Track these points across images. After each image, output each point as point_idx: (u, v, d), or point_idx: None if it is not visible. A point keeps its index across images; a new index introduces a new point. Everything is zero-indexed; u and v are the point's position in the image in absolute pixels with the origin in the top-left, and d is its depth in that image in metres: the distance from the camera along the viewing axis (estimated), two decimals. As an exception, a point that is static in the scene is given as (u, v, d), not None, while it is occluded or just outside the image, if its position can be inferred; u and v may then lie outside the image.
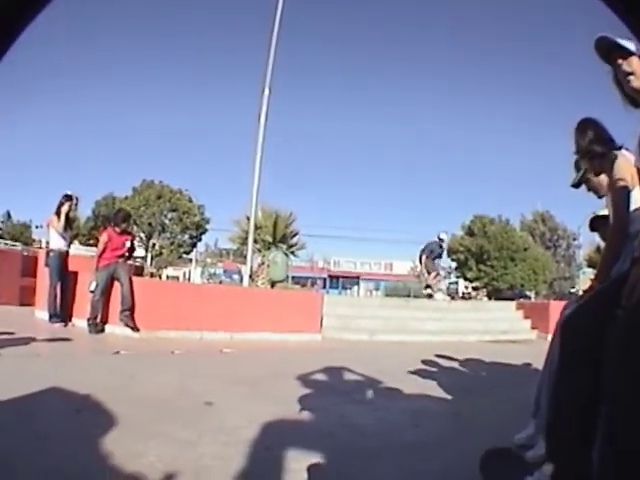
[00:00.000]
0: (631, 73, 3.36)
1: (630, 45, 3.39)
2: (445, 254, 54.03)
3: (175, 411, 5.90)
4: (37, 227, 75.44)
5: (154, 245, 64.19)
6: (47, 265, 13.89)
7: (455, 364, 10.05)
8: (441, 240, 24.38)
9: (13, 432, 4.60)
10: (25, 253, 19.88)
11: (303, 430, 5.30)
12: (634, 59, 3.38)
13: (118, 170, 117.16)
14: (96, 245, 21.16)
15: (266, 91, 21.51)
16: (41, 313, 14.22)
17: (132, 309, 12.82)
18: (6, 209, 79.35)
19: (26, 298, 16.59)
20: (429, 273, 23.82)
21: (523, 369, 9.62)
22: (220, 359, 10.60)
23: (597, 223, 5.30)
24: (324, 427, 5.36)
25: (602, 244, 5.37)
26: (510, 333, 16.11)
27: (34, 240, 61.83)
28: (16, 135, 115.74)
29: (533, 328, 16.88)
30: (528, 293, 56.60)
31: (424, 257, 23.79)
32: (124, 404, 5.75)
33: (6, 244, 21.33)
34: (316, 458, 4.33)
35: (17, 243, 24.73)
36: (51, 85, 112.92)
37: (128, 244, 13.68)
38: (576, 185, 4.78)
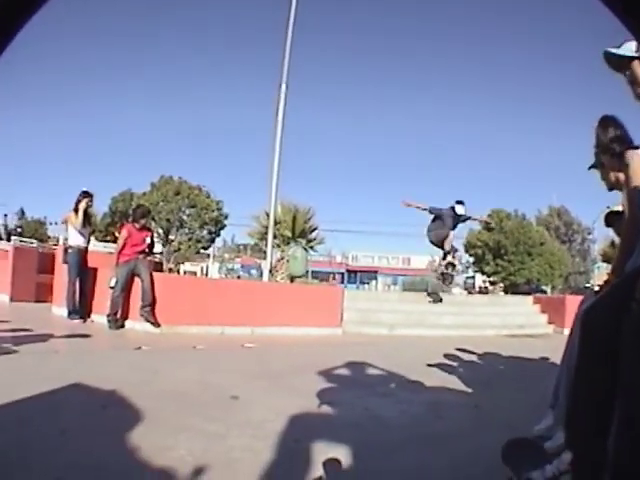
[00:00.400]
0: (635, 81, 3.47)
1: (630, 47, 3.50)
2: (463, 249, 53.43)
3: (201, 405, 5.93)
4: (51, 224, 75.75)
5: (172, 241, 64.25)
6: (65, 262, 13.99)
7: (474, 358, 10.15)
8: (457, 214, 17.56)
9: (36, 428, 4.63)
10: (41, 250, 19.98)
11: (329, 422, 5.38)
12: (636, 66, 3.49)
13: (134, 166, 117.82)
14: (113, 241, 21.19)
15: (283, 87, 21.57)
16: (59, 309, 14.32)
17: (153, 305, 12.84)
18: (20, 206, 79.65)
19: (42, 295, 16.85)
20: (450, 252, 18.02)
21: (540, 363, 9.68)
22: (242, 353, 10.64)
23: (612, 218, 5.39)
24: (350, 419, 5.48)
25: (617, 239, 5.47)
26: (527, 327, 16.17)
27: (49, 237, 61.82)
28: (30, 132, 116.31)
29: (550, 322, 16.91)
30: (544, 287, 56.39)
31: (449, 232, 17.67)
32: (149, 399, 5.79)
33: (22, 241, 21.34)
34: (343, 450, 4.38)
35: (32, 240, 24.78)
36: (66, 81, 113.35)
37: (148, 240, 13.71)
38: (593, 167, 4.88)
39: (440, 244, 18.16)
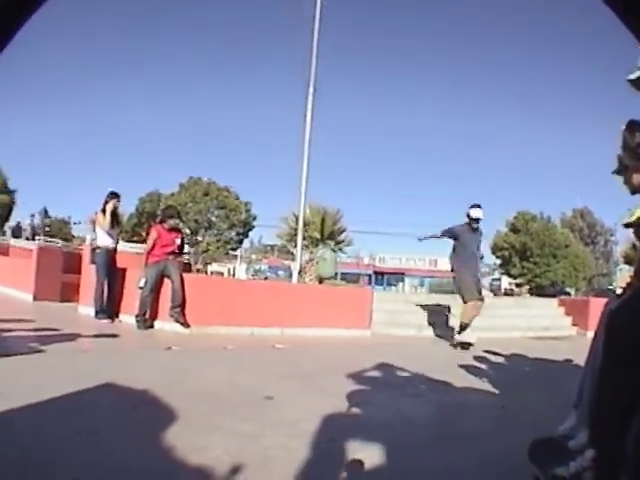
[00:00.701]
0: None
1: None
2: (489, 251, 52.97)
3: (233, 405, 5.99)
4: (75, 223, 76.22)
5: (200, 241, 64.31)
6: (93, 262, 14.03)
7: (501, 359, 10.28)
8: (472, 220, 13.55)
9: (64, 428, 4.62)
10: (66, 250, 20.08)
11: (362, 423, 5.45)
12: None
13: (161, 167, 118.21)
14: (140, 242, 21.26)
15: (311, 89, 21.64)
16: (85, 309, 14.35)
17: (183, 305, 12.87)
18: (43, 205, 79.88)
19: (67, 294, 16.83)
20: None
21: (564, 365, 9.75)
22: (273, 354, 10.69)
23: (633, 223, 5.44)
24: (381, 420, 5.56)
25: (638, 243, 5.53)
26: (552, 330, 16.27)
27: (74, 236, 62.22)
28: (55, 131, 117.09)
29: (574, 325, 16.93)
30: (568, 290, 56.27)
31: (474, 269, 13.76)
32: (180, 399, 5.83)
33: (48, 241, 21.51)
34: (376, 450, 4.44)
35: (57, 240, 24.98)
36: (92, 78, 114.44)
37: (178, 241, 13.71)
38: (616, 172, 4.94)
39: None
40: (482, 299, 13.28)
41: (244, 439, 4.67)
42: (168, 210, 14.91)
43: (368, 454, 4.34)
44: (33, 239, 29.53)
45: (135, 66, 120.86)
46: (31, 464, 3.79)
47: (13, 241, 24.46)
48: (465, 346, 12.41)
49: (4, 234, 53.81)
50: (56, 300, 16.98)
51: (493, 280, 73.76)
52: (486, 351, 10.69)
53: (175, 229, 13.98)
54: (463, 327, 12.85)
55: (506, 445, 4.67)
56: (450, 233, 13.92)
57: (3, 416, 4.68)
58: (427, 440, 5.01)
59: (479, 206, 13.73)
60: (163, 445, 4.35)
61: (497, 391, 7.44)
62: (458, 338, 12.87)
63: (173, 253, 13.53)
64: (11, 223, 69.44)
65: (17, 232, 57.65)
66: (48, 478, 3.69)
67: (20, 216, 74.17)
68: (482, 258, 15.39)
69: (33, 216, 76.39)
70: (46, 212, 77.37)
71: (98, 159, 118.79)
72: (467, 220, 13.62)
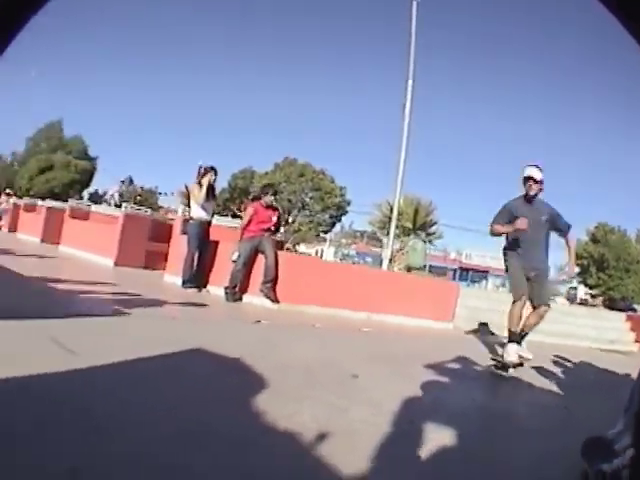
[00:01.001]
0: None
1: None
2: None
3: (321, 380, 6.20)
4: (161, 194, 77.21)
5: (292, 221, 65.05)
6: (184, 233, 14.37)
7: (569, 365, 10.53)
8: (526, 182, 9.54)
9: (149, 392, 4.72)
10: (153, 218, 20.26)
11: (440, 409, 5.72)
12: None
13: (255, 145, 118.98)
14: (232, 216, 21.76)
15: (410, 82, 22.00)
16: (171, 278, 14.64)
17: (274, 282, 13.13)
18: (128, 174, 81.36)
19: (152, 262, 17.52)
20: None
21: (625, 379, 10.04)
22: (360, 336, 11.04)
23: None
24: (458, 408, 5.90)
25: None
26: (617, 343, 16.34)
27: (160, 207, 63.13)
28: (153, 101, 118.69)
29: (636, 341, 17.11)
30: (636, 306, 55.56)
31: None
32: (270, 370, 5.94)
33: (138, 209, 22.09)
34: (451, 435, 4.74)
35: (146, 209, 25.57)
36: (194, 47, 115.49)
37: (275, 219, 13.94)
38: None
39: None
40: (545, 304, 9.61)
41: (331, 411, 4.92)
42: (267, 188, 15.09)
43: (444, 437, 4.62)
44: (119, 206, 30.18)
45: (241, 45, 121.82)
46: (123, 426, 3.83)
47: (94, 207, 24.92)
48: (503, 366, 8.72)
49: (81, 199, 54.99)
50: (139, 267, 17.50)
51: (570, 289, 72.99)
52: (556, 356, 10.80)
53: (272, 207, 14.22)
54: (512, 338, 9.28)
55: (563, 445, 4.91)
56: (501, 217, 9.69)
57: (80, 375, 4.74)
58: (496, 430, 5.41)
59: (537, 166, 9.55)
60: (252, 412, 4.53)
61: (563, 393, 7.74)
62: (503, 355, 9.08)
63: (269, 230, 13.76)
64: (91, 189, 70.83)
65: (95, 198, 58.44)
66: (137, 442, 3.69)
67: (100, 183, 75.59)
68: (563, 234, 9.91)
69: (123, 182, 77.72)
70: (131, 181, 78.35)
71: (191, 133, 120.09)
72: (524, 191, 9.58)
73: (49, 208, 24.26)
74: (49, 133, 78.48)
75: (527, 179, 9.39)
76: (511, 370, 8.60)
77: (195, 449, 3.62)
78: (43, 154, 74.85)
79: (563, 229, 9.76)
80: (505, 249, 9.82)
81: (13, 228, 28.20)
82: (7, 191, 38.51)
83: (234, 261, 13.28)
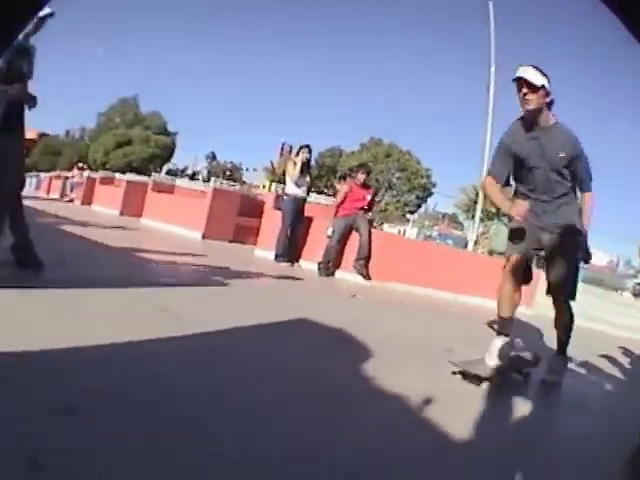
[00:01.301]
0: None
1: None
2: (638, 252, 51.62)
3: (419, 351, 6.66)
4: (246, 169, 77.58)
5: (379, 201, 64.32)
6: (278, 208, 14.74)
7: (633, 357, 10.38)
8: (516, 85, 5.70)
9: (252, 355, 4.96)
10: (243, 193, 20.79)
11: (520, 386, 6.05)
12: None
13: (341, 125, 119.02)
14: (318, 193, 22.03)
15: (492, 69, 21.98)
16: (262, 252, 15.09)
17: (368, 259, 13.47)
18: (211, 150, 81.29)
19: (240, 236, 18.22)
20: None
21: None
22: (448, 316, 11.31)
23: None
24: (534, 388, 6.24)
25: None
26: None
27: (244, 182, 63.71)
28: (233, 78, 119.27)
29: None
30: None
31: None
32: (370, 341, 6.18)
33: (230, 184, 22.44)
34: (528, 408, 5.16)
35: (236, 184, 25.91)
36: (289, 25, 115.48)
37: (369, 197, 14.22)
38: None
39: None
40: (563, 293, 6.76)
41: (430, 380, 5.22)
42: (362, 167, 15.56)
43: (524, 414, 4.95)
44: (207, 181, 30.59)
45: (333, 26, 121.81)
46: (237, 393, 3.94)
47: (178, 181, 25.41)
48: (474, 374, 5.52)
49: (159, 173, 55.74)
50: (226, 241, 18.08)
51: (637, 284, 71.47)
52: (621, 347, 10.78)
53: (367, 186, 14.62)
54: (500, 329, 6.45)
55: (618, 430, 5.15)
56: (500, 162, 6.23)
57: (193, 342, 4.97)
58: (560, 410, 5.88)
59: (533, 67, 5.73)
60: (358, 375, 4.83)
61: (626, 380, 8.01)
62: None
63: (362, 209, 14.02)
64: (170, 165, 71.48)
65: (173, 172, 59.32)
66: (273, 392, 4.03)
67: (180, 158, 76.20)
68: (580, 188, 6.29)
69: (210, 157, 78.17)
70: (214, 156, 78.82)
71: (276, 110, 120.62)
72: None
73: (129, 181, 24.89)
74: (123, 109, 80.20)
75: (518, 85, 5.72)
76: (484, 384, 5.46)
77: (330, 402, 4.13)
78: (119, 129, 75.96)
79: (583, 181, 6.18)
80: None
81: (87, 201, 28.81)
82: (80, 165, 39.02)
83: (329, 237, 13.68)
